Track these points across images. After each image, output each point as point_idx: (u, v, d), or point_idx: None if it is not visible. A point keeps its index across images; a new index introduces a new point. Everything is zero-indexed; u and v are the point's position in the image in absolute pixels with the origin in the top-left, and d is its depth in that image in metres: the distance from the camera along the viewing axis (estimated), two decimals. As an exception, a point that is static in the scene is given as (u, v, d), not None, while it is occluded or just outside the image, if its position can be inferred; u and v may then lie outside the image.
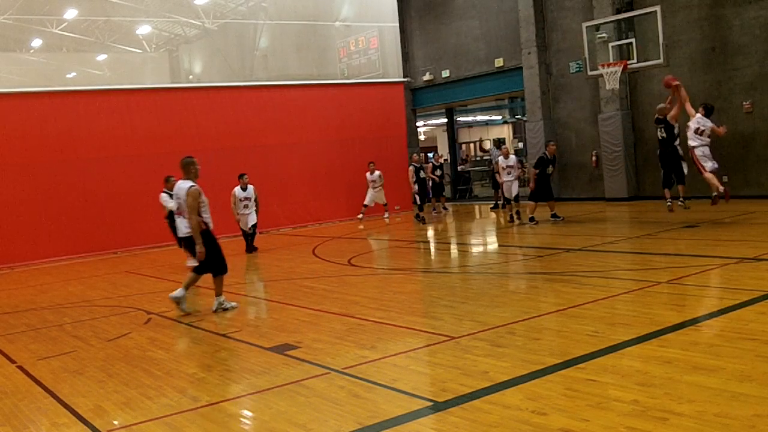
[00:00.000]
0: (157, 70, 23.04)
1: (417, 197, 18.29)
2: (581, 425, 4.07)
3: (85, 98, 17.03)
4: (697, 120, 12.18)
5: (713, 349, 5.31)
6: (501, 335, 6.29)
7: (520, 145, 30.31)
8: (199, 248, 8.30)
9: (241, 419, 4.97)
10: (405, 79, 22.61)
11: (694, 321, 6.26)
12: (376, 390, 5.11)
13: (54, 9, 19.94)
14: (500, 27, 21.60)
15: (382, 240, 15.81)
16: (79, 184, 16.46)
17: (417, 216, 17.96)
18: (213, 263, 8.52)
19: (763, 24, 15.54)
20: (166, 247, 17.05)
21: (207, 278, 8.73)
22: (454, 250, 13.80)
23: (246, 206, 14.46)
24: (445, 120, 26.72)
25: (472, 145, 36.22)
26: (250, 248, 14.52)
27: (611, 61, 16.41)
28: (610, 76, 15.99)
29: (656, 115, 12.88)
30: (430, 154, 19.00)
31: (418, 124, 27.56)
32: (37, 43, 22.13)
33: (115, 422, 4.98)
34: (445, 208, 19.16)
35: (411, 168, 18.07)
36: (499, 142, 26.00)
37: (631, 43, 16.15)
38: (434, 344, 6.19)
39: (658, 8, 15.05)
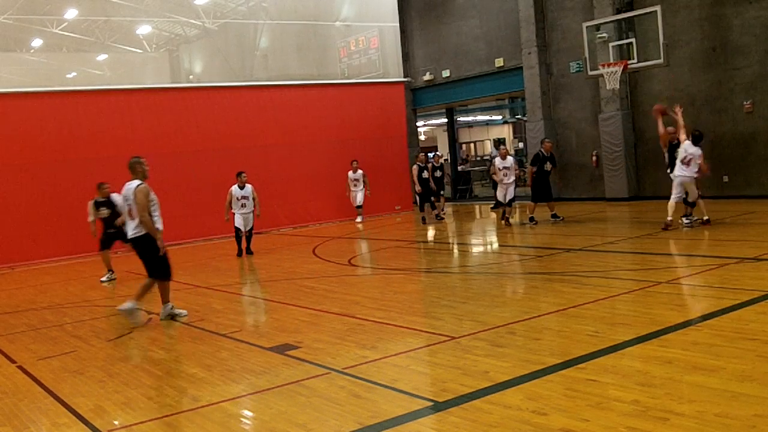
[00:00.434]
0: (157, 70, 23.03)
1: (418, 197, 18.15)
2: (581, 425, 4.07)
3: (85, 98, 17.02)
4: (685, 148, 12.00)
5: (714, 349, 5.31)
6: (501, 335, 6.28)
7: (521, 145, 30.35)
8: (159, 243, 8.21)
9: (242, 419, 4.97)
10: (405, 79, 22.61)
11: (694, 321, 6.26)
12: (377, 390, 5.11)
13: (54, 9, 19.95)
14: (500, 27, 21.60)
15: (383, 240, 15.80)
16: (79, 184, 16.41)
17: (423, 219, 17.82)
18: (159, 268, 8.32)
19: (763, 24, 15.54)
20: (167, 247, 17.04)
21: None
22: (454, 250, 13.80)
23: (243, 205, 13.95)
24: (446, 120, 26.71)
25: (472, 145, 36.28)
26: (244, 251, 13.96)
27: (611, 61, 16.42)
28: (611, 76, 16.00)
29: (669, 143, 12.76)
30: (431, 155, 18.84)
31: (418, 124, 27.57)
32: (37, 43, 22.15)
33: (115, 422, 4.97)
34: (440, 218, 17.96)
35: (415, 167, 17.79)
36: (498, 143, 25.95)
37: (631, 43, 16.17)
38: (434, 344, 6.19)
39: (658, 8, 15.07)
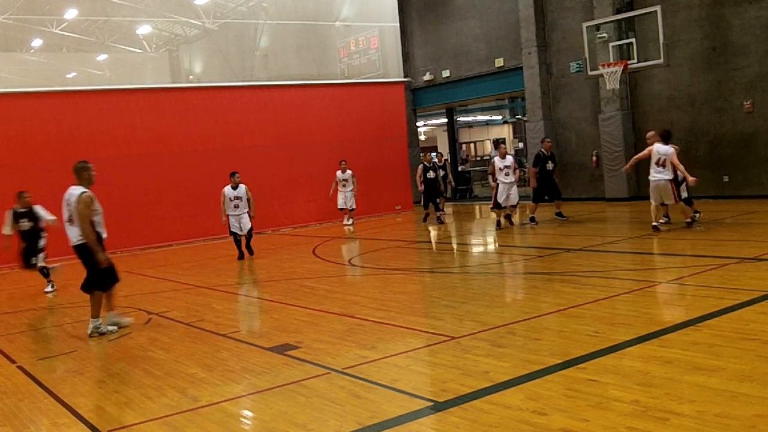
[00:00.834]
0: (157, 70, 23.04)
1: (422, 197, 17.97)
2: (582, 425, 4.07)
3: (85, 98, 17.02)
4: (657, 149, 11.84)
5: (714, 349, 5.31)
6: (501, 335, 6.28)
7: (521, 145, 30.36)
8: (101, 255, 7.60)
9: (241, 419, 4.97)
10: (405, 79, 22.62)
11: (694, 321, 6.26)
12: (377, 390, 5.10)
13: (54, 9, 19.95)
14: (500, 27, 21.60)
15: (383, 240, 15.80)
16: (78, 184, 16.44)
17: (426, 216, 17.72)
18: (96, 279, 7.76)
19: (763, 24, 15.54)
20: (167, 248, 17.08)
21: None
22: (454, 250, 13.80)
23: (237, 206, 13.58)
24: (446, 120, 26.71)
25: (472, 145, 36.29)
26: (243, 253, 13.73)
27: (611, 61, 16.42)
28: (611, 76, 16.00)
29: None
30: (433, 154, 18.74)
31: (418, 124, 27.56)
32: (37, 43, 22.15)
33: (116, 422, 4.97)
34: (441, 221, 17.56)
35: (420, 167, 17.65)
36: (498, 142, 25.92)
37: (631, 43, 16.16)
38: (435, 344, 6.19)
39: (658, 8, 15.07)
